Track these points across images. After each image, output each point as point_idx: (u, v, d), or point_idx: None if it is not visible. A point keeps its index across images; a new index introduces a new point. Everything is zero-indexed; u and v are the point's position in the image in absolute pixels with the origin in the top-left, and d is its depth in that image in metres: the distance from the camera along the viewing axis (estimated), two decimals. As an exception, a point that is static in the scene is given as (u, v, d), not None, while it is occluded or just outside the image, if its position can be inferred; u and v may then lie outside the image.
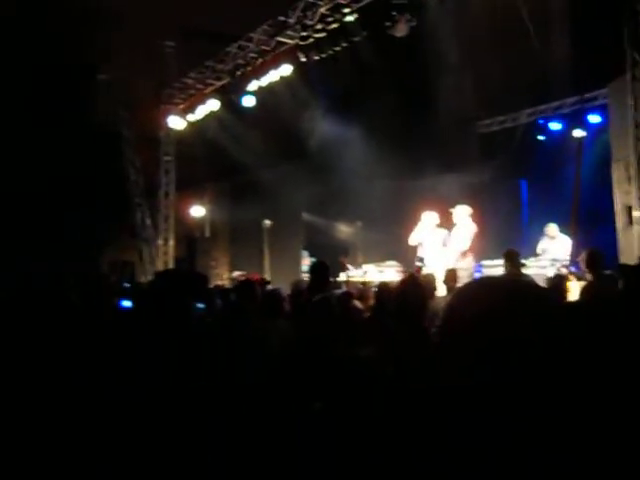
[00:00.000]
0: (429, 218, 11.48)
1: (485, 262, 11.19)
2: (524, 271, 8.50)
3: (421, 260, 10.14)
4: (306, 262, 15.01)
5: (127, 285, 9.54)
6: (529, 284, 1.79)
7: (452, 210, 11.40)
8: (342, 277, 12.14)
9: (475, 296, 1.63)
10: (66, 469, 2.87)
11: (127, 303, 6.61)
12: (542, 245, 11.74)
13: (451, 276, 7.80)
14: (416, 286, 4.17)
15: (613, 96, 11.39)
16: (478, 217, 11.03)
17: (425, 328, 3.92)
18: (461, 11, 11.49)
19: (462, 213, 11.29)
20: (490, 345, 1.52)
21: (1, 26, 14.84)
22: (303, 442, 2.73)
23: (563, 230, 11.53)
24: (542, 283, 6.41)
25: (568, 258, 10.02)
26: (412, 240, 11.50)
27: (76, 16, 15.89)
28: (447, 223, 11.13)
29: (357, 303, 6.36)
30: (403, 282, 4.57)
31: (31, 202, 14.69)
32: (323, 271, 6.01)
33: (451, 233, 11.23)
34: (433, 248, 11.24)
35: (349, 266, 12.61)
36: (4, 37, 14.79)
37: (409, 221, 12.01)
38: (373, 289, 8.12)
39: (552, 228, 11.78)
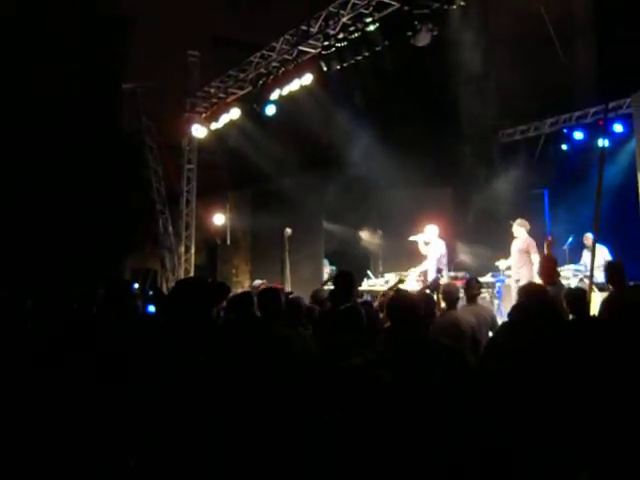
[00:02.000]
0: (431, 230, 11.55)
1: (507, 272, 11.19)
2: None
3: (440, 271, 10.14)
4: (327, 270, 15.01)
5: (150, 292, 9.60)
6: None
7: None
8: (364, 286, 12.14)
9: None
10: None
11: (152, 308, 6.68)
12: (584, 256, 11.72)
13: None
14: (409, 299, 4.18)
15: (637, 106, 11.32)
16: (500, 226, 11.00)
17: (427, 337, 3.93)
18: (484, 20, 11.47)
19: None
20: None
21: (30, 34, 15.05)
22: (313, 450, 2.75)
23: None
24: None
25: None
26: (423, 251, 11.66)
27: (101, 25, 16.10)
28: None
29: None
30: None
31: (55, 210, 14.83)
32: (348, 280, 5.99)
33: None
34: (432, 260, 11.42)
35: (371, 275, 12.63)
36: (32, 44, 14.98)
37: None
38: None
39: (588, 238, 11.77)
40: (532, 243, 10.66)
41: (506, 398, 3.08)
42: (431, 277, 10.67)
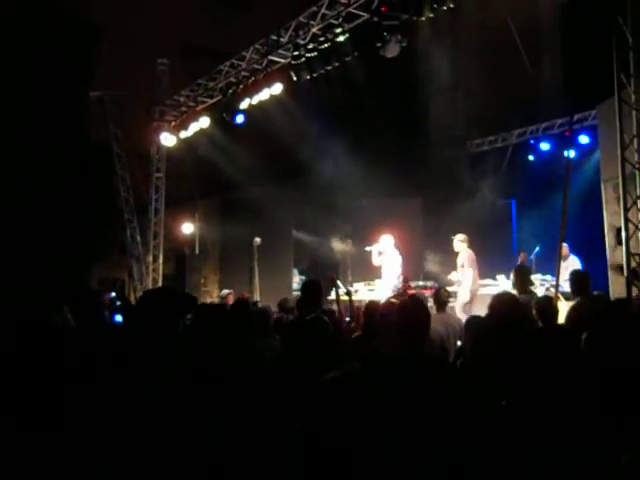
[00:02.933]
0: (386, 240, 11.61)
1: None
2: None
3: (406, 280, 10.19)
4: (296, 280, 14.99)
5: (118, 302, 9.50)
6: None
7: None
8: (332, 296, 12.13)
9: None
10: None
11: (120, 318, 6.62)
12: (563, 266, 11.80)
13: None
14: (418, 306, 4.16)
15: (602, 117, 11.50)
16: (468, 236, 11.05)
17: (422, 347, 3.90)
18: (453, 32, 11.59)
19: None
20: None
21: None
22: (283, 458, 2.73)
23: (549, 251, 11.57)
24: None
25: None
26: (375, 262, 11.69)
27: (69, 31, 15.94)
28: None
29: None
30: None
31: (20, 217, 14.61)
32: (315, 290, 5.97)
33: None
34: (389, 270, 11.49)
35: (339, 283, 12.59)
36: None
37: (400, 239, 12.04)
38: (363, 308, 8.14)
39: (564, 248, 11.88)
40: (469, 257, 10.66)
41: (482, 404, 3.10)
42: (392, 285, 10.71)
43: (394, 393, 2.48)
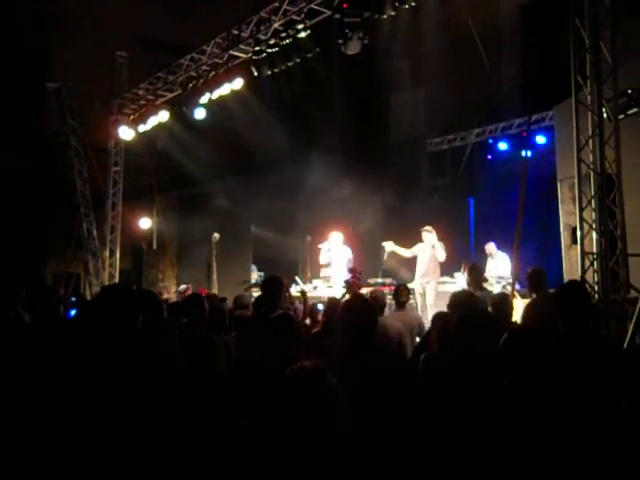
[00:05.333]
0: (335, 237, 11.71)
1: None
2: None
3: (353, 270, 10.24)
4: (254, 276, 14.93)
5: (73, 299, 9.34)
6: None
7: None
8: (292, 292, 12.12)
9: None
10: None
11: (74, 312, 6.51)
12: (488, 264, 12.02)
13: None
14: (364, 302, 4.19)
15: (558, 118, 11.68)
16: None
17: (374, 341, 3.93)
18: (414, 31, 11.65)
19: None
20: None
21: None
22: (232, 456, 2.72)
23: (506, 248, 11.76)
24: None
25: (510, 276, 10.21)
26: (323, 260, 11.76)
27: (25, 22, 15.62)
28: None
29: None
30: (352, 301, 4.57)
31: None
32: (276, 286, 5.91)
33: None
34: (339, 266, 11.60)
35: (297, 279, 12.59)
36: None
37: (359, 237, 12.09)
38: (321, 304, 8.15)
39: (490, 247, 12.12)
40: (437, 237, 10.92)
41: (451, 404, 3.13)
42: (340, 280, 10.73)
43: (342, 388, 2.49)
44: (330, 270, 11.85)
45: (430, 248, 10.87)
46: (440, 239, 10.96)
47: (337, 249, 11.75)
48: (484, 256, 12.34)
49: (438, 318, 5.04)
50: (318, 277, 12.40)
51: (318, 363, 2.53)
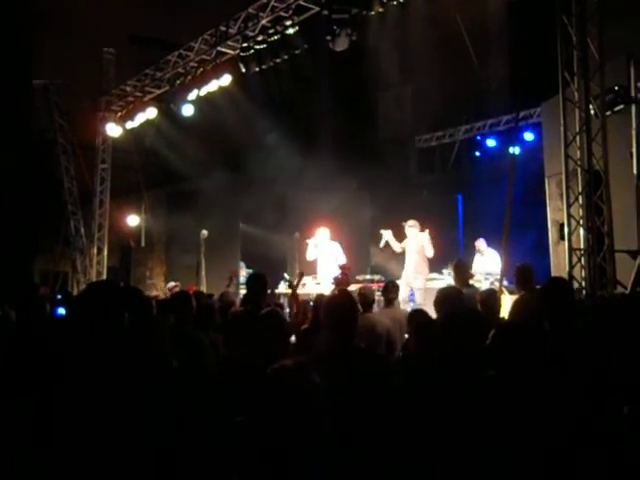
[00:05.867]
0: (322, 233, 11.69)
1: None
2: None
3: (343, 267, 10.20)
4: (243, 273, 14.90)
5: (59, 297, 9.29)
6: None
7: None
8: (281, 289, 12.12)
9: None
10: None
11: (62, 311, 6.47)
12: (476, 260, 12.04)
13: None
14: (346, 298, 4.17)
15: (546, 115, 11.71)
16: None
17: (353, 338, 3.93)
18: (402, 28, 11.65)
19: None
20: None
21: None
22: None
23: (494, 245, 11.80)
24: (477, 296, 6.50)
25: (499, 272, 10.23)
26: (310, 256, 11.73)
27: (12, 19, 15.51)
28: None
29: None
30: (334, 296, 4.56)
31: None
32: (261, 283, 5.91)
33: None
34: (326, 262, 11.59)
35: (285, 275, 12.58)
36: None
37: (348, 233, 12.08)
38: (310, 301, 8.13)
39: (480, 243, 12.15)
40: (430, 240, 10.88)
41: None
42: (328, 276, 10.72)
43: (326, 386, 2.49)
44: (318, 266, 11.82)
45: (416, 244, 10.86)
46: (422, 231, 10.95)
47: (324, 245, 11.71)
48: (473, 252, 12.37)
49: (414, 317, 5.05)
50: (306, 274, 12.40)
51: (300, 360, 2.52)
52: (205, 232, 13.65)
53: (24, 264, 16.21)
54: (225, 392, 3.63)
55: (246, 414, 2.92)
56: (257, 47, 11.60)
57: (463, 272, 7.62)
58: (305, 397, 2.37)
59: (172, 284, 12.18)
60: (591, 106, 8.36)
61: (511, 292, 8.80)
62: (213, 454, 2.84)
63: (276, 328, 4.32)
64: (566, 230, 8.50)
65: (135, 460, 2.89)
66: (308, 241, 11.87)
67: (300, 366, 2.47)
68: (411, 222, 11.06)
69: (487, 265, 11.70)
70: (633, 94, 8.79)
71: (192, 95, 12.99)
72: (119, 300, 3.55)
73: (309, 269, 12.19)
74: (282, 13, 11.23)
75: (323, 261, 11.68)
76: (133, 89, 15.15)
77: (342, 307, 3.92)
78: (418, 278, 10.68)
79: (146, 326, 4.78)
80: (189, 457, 2.97)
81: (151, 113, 14.23)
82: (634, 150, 8.86)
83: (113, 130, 15.23)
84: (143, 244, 18.27)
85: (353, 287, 9.30)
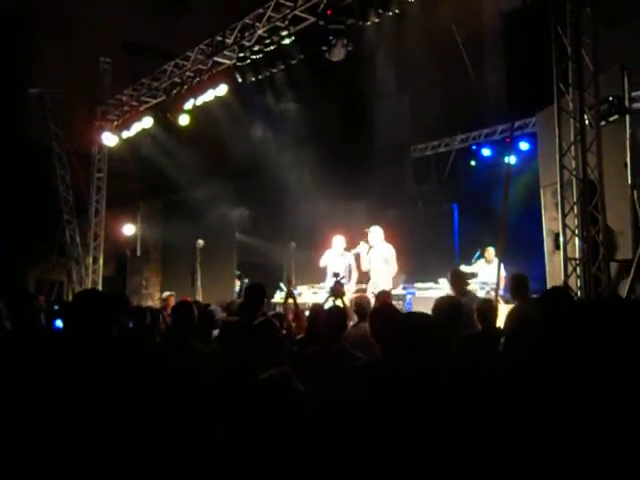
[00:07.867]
0: (338, 242, 11.60)
1: (417, 284, 11.35)
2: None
3: (337, 275, 10.08)
4: (239, 283, 14.90)
5: (56, 307, 9.27)
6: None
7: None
8: (276, 298, 12.08)
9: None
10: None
11: (60, 323, 6.44)
12: (477, 267, 12.03)
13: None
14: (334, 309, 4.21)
15: (541, 124, 11.74)
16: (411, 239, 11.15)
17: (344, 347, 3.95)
18: (399, 38, 11.70)
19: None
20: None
21: None
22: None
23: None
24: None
25: (494, 281, 10.23)
26: (322, 262, 11.63)
27: (7, 27, 15.53)
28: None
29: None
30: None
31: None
32: (258, 293, 5.91)
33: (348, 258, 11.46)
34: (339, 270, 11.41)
35: (282, 285, 12.54)
36: None
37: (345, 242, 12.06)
38: (306, 311, 8.12)
39: (490, 252, 12.12)
40: (394, 255, 10.78)
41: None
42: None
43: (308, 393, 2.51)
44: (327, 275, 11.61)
45: (379, 255, 10.81)
46: (385, 239, 10.90)
47: (337, 254, 11.57)
48: (469, 261, 12.39)
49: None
50: (303, 284, 12.37)
51: (286, 371, 2.54)
52: (201, 241, 13.64)
53: (19, 273, 16.16)
54: (217, 402, 3.63)
55: (230, 425, 2.93)
56: (253, 57, 11.61)
57: (460, 281, 7.64)
58: (289, 407, 2.40)
59: (167, 294, 12.18)
60: (586, 116, 8.41)
61: (507, 301, 8.81)
62: (201, 462, 2.84)
63: (270, 338, 4.33)
64: (561, 240, 8.53)
65: (126, 468, 2.88)
66: (328, 251, 11.67)
67: (284, 376, 2.49)
68: (377, 228, 11.03)
69: (486, 275, 11.66)
70: (627, 104, 8.84)
71: (188, 105, 13.02)
72: (105, 307, 3.55)
73: (319, 277, 12.08)
74: (278, 23, 11.26)
75: (331, 271, 11.44)
76: (129, 98, 15.16)
77: (330, 314, 3.96)
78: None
79: (139, 334, 4.78)
80: (181, 464, 2.97)
81: (147, 122, 14.24)
82: (628, 160, 8.90)
83: (109, 139, 15.24)
84: (139, 253, 18.23)
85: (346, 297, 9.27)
